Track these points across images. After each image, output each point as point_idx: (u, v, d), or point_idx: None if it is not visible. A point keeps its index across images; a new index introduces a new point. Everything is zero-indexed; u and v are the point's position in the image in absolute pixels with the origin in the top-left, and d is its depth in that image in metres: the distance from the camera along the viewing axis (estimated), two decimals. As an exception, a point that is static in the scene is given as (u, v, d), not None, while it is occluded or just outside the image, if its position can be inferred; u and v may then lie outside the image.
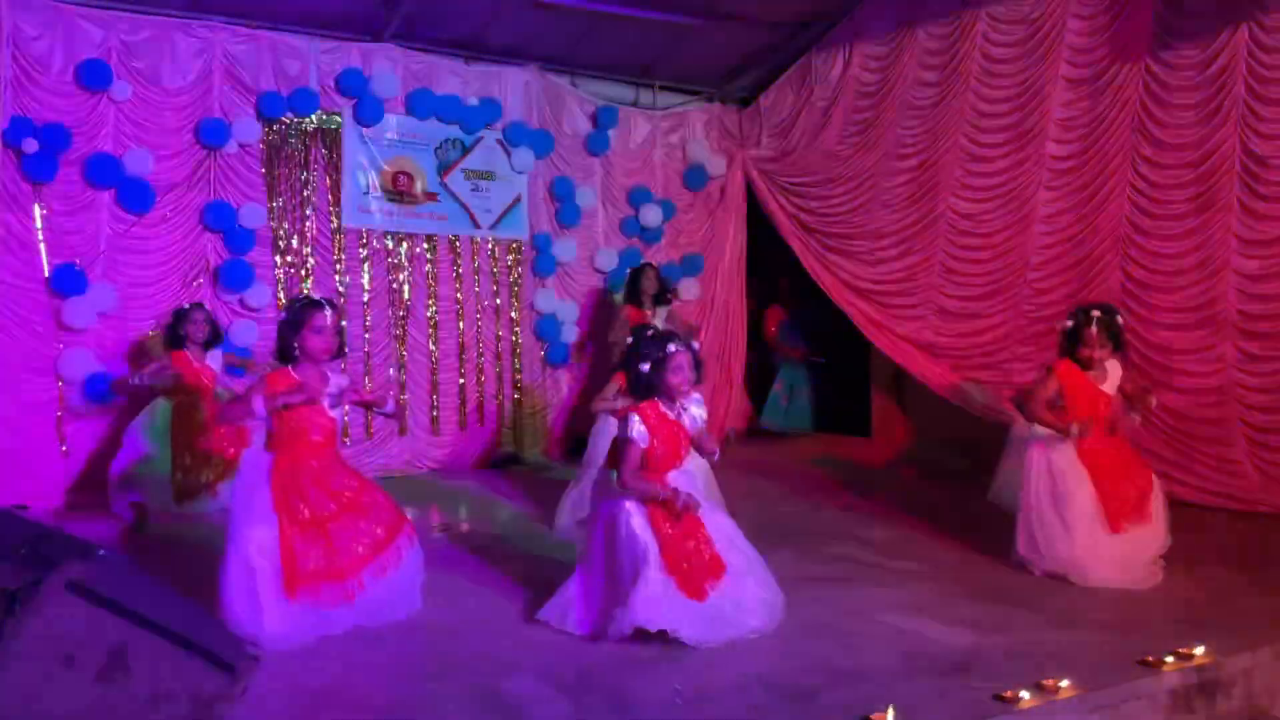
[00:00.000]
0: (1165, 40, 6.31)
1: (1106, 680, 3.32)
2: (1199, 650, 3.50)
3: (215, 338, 6.33)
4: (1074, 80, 6.79)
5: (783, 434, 9.36)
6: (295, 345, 3.93)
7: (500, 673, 3.50)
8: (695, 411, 4.05)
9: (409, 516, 4.14)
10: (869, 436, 8.92)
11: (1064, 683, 3.22)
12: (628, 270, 7.78)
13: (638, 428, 3.88)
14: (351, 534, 3.87)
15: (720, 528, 3.96)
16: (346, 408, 4.22)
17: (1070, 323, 4.71)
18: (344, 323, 4.23)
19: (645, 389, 3.97)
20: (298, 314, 3.98)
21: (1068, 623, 4.04)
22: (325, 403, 3.96)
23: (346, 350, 4.10)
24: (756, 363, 9.72)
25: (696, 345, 4.08)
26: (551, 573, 4.57)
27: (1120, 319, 4.69)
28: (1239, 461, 6.05)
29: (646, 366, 3.94)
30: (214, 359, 6.31)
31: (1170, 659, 3.45)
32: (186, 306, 6.32)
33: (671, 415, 3.98)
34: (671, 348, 3.95)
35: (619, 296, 8.01)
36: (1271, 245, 5.92)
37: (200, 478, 6.08)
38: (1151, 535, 4.62)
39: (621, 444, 3.91)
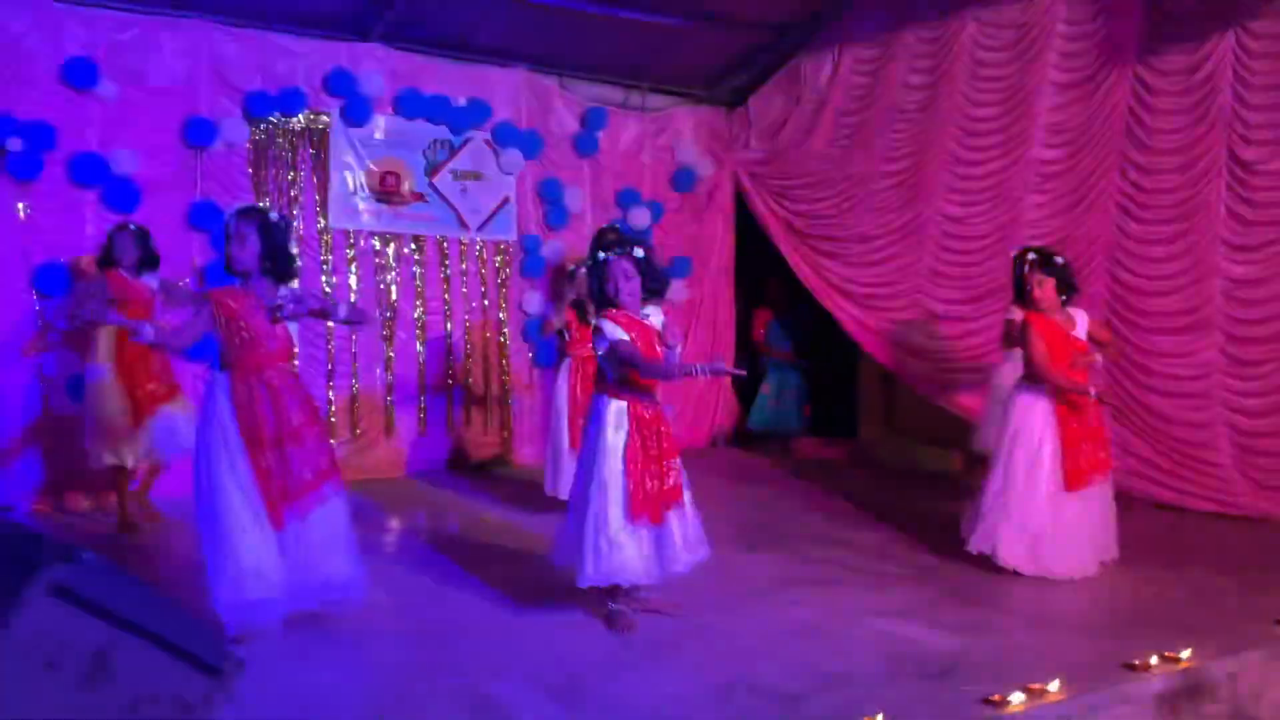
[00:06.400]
0: (1153, 46, 6.33)
1: (1093, 684, 3.32)
2: (1185, 653, 3.51)
3: (149, 260, 5.84)
4: (1063, 85, 6.81)
5: (770, 435, 9.35)
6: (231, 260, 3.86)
7: (489, 675, 3.49)
8: (653, 318, 4.03)
9: (340, 471, 4.04)
10: (856, 438, 8.92)
11: (1052, 686, 3.23)
12: None
13: (611, 328, 3.85)
14: (288, 463, 3.83)
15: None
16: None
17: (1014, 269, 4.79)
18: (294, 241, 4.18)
19: (599, 302, 3.96)
20: (227, 228, 3.89)
21: (1051, 625, 4.05)
22: (274, 314, 3.84)
23: (297, 265, 4.04)
24: (745, 365, 9.72)
25: (639, 252, 3.96)
26: (537, 574, 4.57)
27: (1059, 259, 4.71)
28: (1223, 465, 6.07)
29: (595, 280, 3.94)
30: (151, 281, 5.88)
31: (1155, 661, 3.46)
32: (112, 229, 5.88)
33: (635, 316, 3.97)
34: (604, 255, 3.94)
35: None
36: (1259, 250, 5.96)
37: (143, 395, 5.72)
38: (1102, 499, 4.69)
39: (612, 350, 3.84)
